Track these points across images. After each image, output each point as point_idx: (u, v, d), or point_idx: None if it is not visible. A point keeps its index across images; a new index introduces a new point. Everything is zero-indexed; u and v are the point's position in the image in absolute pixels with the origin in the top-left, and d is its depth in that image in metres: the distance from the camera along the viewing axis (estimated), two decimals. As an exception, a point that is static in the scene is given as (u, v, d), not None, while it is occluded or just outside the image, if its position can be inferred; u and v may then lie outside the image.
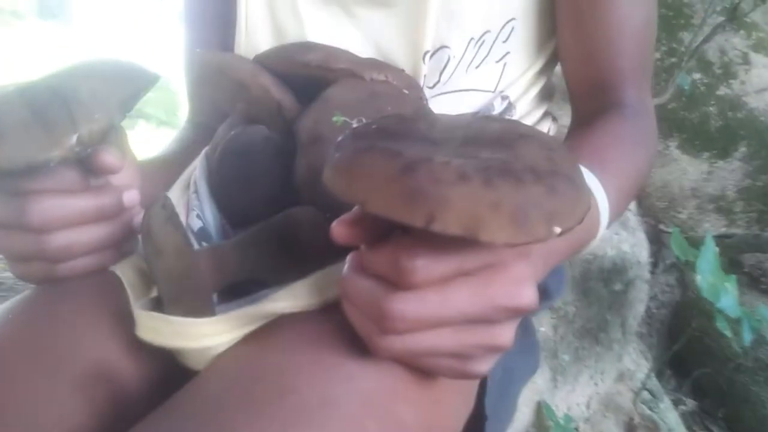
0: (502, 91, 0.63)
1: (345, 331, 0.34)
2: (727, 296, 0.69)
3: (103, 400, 0.37)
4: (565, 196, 0.30)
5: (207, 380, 0.34)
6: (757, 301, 0.99)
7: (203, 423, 0.30)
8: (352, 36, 0.61)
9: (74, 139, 0.36)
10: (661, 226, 1.09)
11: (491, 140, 0.34)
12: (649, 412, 0.93)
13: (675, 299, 1.07)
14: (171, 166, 0.64)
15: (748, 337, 0.76)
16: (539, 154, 0.32)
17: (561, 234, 0.29)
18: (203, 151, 0.59)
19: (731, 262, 1.02)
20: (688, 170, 1.11)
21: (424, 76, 0.59)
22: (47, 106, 0.37)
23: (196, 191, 0.54)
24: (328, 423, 0.30)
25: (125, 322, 0.38)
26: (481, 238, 0.27)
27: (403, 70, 0.59)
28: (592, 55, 0.60)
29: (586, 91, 0.62)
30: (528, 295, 0.30)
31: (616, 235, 0.91)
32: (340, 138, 0.34)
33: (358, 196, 0.30)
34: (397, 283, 0.29)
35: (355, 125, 0.40)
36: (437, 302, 0.29)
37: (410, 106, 0.51)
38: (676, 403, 0.99)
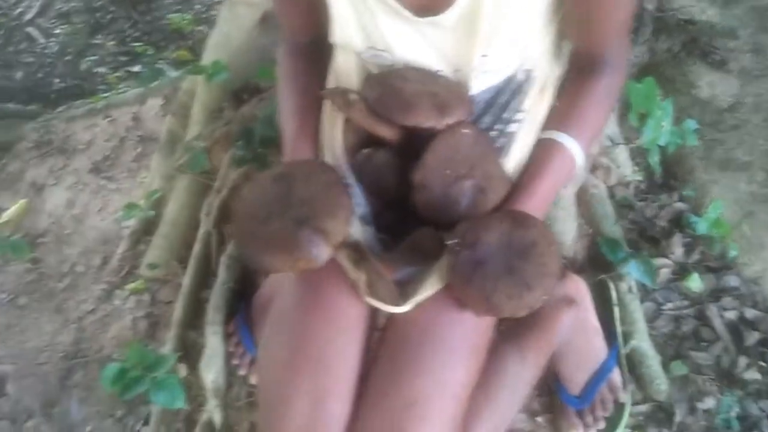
0: (524, 60, 0.93)
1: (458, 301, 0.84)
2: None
3: (361, 339, 0.89)
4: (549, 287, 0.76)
5: (407, 330, 0.85)
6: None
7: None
8: (419, 44, 0.88)
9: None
10: None
11: (519, 251, 0.77)
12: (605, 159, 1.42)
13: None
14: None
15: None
16: (538, 262, 0.76)
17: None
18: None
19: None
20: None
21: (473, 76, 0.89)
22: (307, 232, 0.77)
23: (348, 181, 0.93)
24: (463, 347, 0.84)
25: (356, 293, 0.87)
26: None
27: (458, 88, 0.89)
28: (589, 29, 0.89)
29: (581, 49, 0.93)
30: None
31: None
32: (458, 263, 0.77)
33: (472, 305, 0.77)
34: None
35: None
36: None
37: (474, 144, 0.86)
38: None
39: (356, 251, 0.86)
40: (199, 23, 3.22)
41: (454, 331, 0.84)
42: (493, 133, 0.94)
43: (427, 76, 0.90)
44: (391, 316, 0.89)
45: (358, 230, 0.91)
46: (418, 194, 0.85)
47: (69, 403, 1.63)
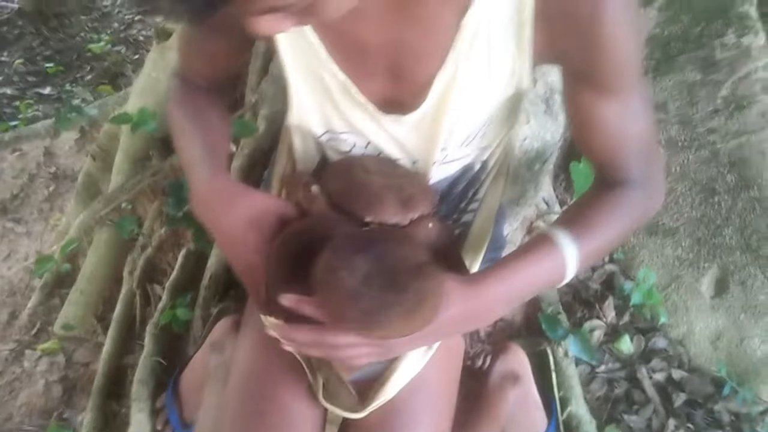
0: (481, 151, 0.91)
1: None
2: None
3: None
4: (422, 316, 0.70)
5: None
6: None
7: None
8: (380, 135, 0.85)
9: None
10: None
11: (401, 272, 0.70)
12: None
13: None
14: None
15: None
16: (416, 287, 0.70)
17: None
18: None
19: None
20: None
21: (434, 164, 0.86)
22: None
23: None
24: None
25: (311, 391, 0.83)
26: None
27: (421, 181, 0.86)
28: (604, 152, 0.79)
29: (598, 167, 0.82)
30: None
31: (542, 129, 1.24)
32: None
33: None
34: None
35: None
36: None
37: (438, 237, 0.83)
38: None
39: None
40: (116, 44, 3.05)
41: None
42: (448, 222, 0.93)
43: (388, 166, 0.87)
44: (346, 419, 0.86)
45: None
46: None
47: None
